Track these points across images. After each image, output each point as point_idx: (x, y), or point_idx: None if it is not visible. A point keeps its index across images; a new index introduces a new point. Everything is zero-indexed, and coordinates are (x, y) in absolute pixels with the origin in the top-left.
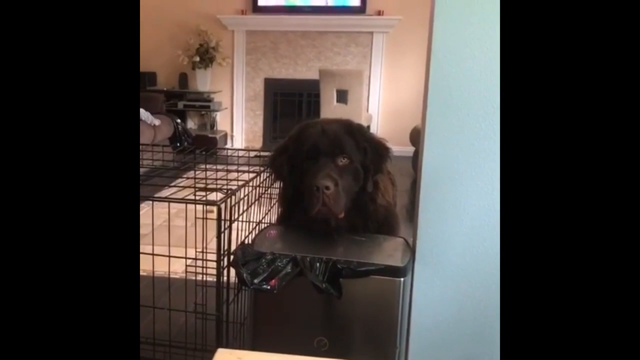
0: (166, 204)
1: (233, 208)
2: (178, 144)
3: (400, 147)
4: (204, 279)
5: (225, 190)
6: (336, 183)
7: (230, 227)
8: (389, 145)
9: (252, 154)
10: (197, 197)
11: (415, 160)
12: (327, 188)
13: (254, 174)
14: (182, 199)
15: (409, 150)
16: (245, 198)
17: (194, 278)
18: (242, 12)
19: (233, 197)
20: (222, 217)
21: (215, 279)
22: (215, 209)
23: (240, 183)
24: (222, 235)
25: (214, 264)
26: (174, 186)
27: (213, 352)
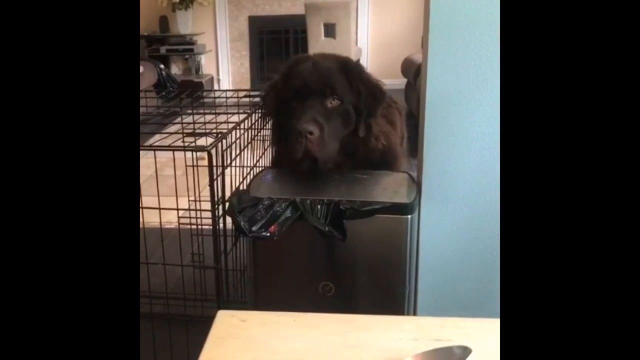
0: (155, 153)
1: (225, 153)
2: (163, 91)
3: (391, 80)
4: (199, 228)
5: (215, 134)
6: (321, 128)
7: (223, 173)
8: (385, 88)
9: (242, 94)
10: (186, 144)
11: (408, 92)
12: (311, 133)
13: (245, 115)
14: (169, 146)
15: (401, 82)
16: (237, 141)
17: (188, 228)
18: None
19: (224, 141)
20: (214, 163)
21: (210, 228)
22: (205, 154)
23: (230, 126)
24: (215, 182)
25: (208, 214)
26: (162, 133)
27: (213, 302)
